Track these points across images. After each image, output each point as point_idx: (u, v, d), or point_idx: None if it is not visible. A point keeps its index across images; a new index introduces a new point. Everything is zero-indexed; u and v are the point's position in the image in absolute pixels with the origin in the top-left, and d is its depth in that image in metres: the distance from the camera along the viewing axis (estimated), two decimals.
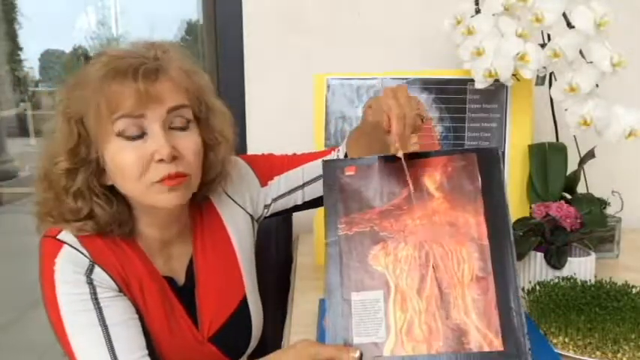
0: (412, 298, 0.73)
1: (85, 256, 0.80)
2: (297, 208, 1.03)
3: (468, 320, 0.71)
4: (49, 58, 5.52)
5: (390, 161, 0.80)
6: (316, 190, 1.00)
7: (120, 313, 0.80)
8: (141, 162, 0.77)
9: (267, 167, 1.01)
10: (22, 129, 4.57)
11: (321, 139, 1.31)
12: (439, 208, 0.78)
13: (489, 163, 0.79)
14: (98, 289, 0.79)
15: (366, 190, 0.80)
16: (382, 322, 0.72)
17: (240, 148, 1.21)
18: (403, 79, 1.31)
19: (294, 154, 1.04)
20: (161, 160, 0.77)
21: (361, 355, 0.70)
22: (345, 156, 0.99)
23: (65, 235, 0.80)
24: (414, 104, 0.81)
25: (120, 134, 0.77)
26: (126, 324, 0.80)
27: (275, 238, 1.36)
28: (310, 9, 1.53)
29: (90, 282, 0.79)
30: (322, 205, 0.99)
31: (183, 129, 0.81)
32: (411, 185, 0.79)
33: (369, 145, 0.94)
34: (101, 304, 0.79)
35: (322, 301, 1.00)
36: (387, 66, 1.34)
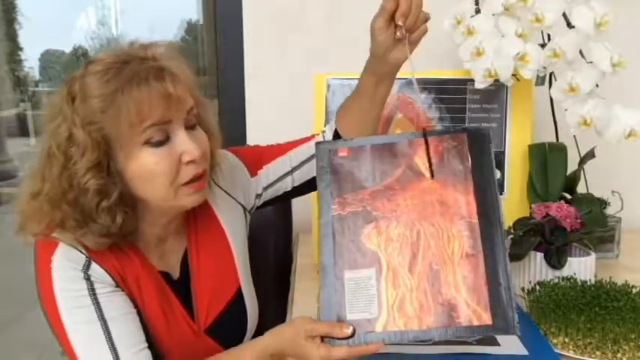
0: (404, 276, 0.74)
1: (81, 252, 0.79)
2: (287, 194, 1.04)
3: (457, 296, 0.73)
4: (49, 58, 5.51)
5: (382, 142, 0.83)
6: (304, 174, 1.01)
7: (118, 307, 0.80)
8: (172, 167, 0.78)
9: (256, 157, 1.01)
10: (22, 129, 4.56)
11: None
12: (430, 187, 0.79)
13: (479, 143, 0.80)
14: (96, 285, 0.79)
15: (358, 170, 0.81)
16: (374, 299, 0.74)
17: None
18: (403, 79, 1.31)
19: (279, 143, 1.05)
20: (191, 162, 0.79)
21: (354, 331, 0.72)
22: (336, 132, 1.00)
23: (60, 234, 0.79)
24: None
25: (147, 142, 0.76)
26: (124, 318, 0.80)
27: (275, 239, 1.35)
28: (310, 9, 1.53)
29: (87, 278, 0.79)
30: (311, 191, 1.02)
31: (195, 128, 0.82)
32: (432, 161, 0.80)
33: (361, 118, 0.96)
34: (99, 300, 0.79)
35: None
36: None
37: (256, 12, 1.53)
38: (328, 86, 1.33)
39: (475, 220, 0.76)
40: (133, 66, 0.76)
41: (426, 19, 0.88)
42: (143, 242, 0.87)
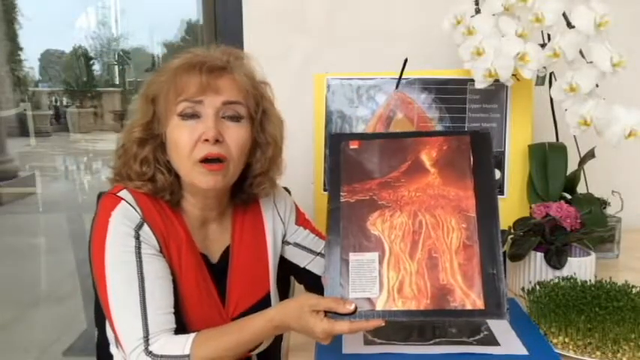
0: (404, 261, 0.80)
1: (138, 213, 0.89)
2: (297, 270, 1.08)
3: (453, 282, 0.78)
4: (49, 58, 5.52)
5: (392, 138, 0.90)
6: (320, 268, 1.04)
7: (157, 270, 0.87)
8: (191, 140, 0.88)
9: (304, 218, 1.09)
10: (22, 129, 4.56)
11: (321, 138, 1.31)
12: (433, 182, 0.86)
13: (481, 144, 0.87)
14: (143, 245, 0.87)
15: (367, 162, 0.88)
16: (376, 280, 0.79)
17: None
18: (404, 78, 1.31)
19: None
20: (206, 141, 0.87)
21: (356, 308, 0.77)
22: None
23: (124, 194, 0.90)
24: None
25: (179, 114, 0.89)
26: (160, 281, 0.87)
27: None
28: (310, 9, 1.53)
29: (137, 237, 0.87)
30: (309, 288, 1.06)
31: (234, 120, 0.91)
32: (437, 158, 0.87)
33: None
34: (142, 259, 0.87)
35: None
36: (386, 66, 1.34)
37: (256, 12, 1.53)
38: (328, 86, 1.33)
39: (473, 214, 0.82)
40: (197, 58, 0.90)
41: None
42: (189, 220, 0.95)
